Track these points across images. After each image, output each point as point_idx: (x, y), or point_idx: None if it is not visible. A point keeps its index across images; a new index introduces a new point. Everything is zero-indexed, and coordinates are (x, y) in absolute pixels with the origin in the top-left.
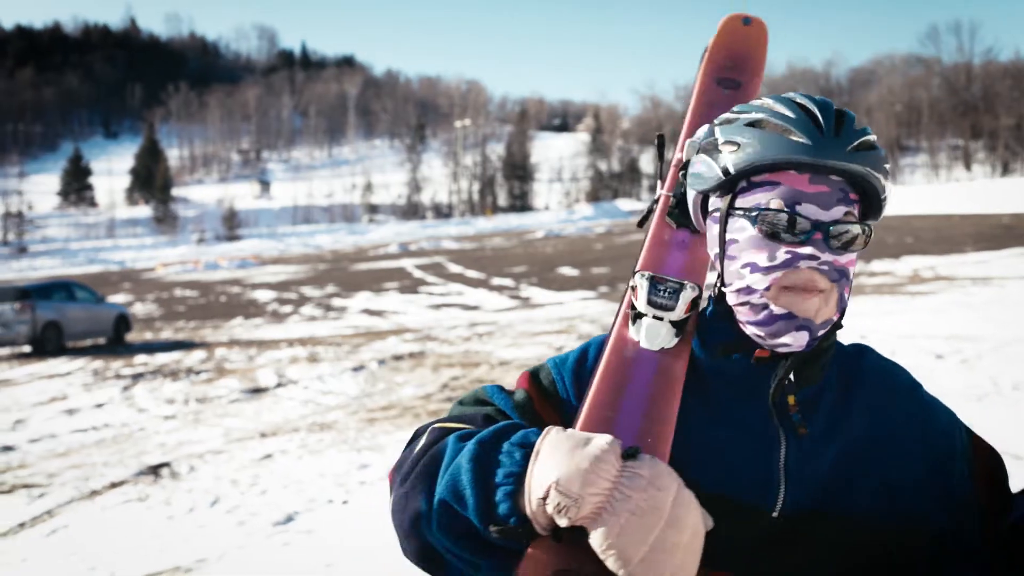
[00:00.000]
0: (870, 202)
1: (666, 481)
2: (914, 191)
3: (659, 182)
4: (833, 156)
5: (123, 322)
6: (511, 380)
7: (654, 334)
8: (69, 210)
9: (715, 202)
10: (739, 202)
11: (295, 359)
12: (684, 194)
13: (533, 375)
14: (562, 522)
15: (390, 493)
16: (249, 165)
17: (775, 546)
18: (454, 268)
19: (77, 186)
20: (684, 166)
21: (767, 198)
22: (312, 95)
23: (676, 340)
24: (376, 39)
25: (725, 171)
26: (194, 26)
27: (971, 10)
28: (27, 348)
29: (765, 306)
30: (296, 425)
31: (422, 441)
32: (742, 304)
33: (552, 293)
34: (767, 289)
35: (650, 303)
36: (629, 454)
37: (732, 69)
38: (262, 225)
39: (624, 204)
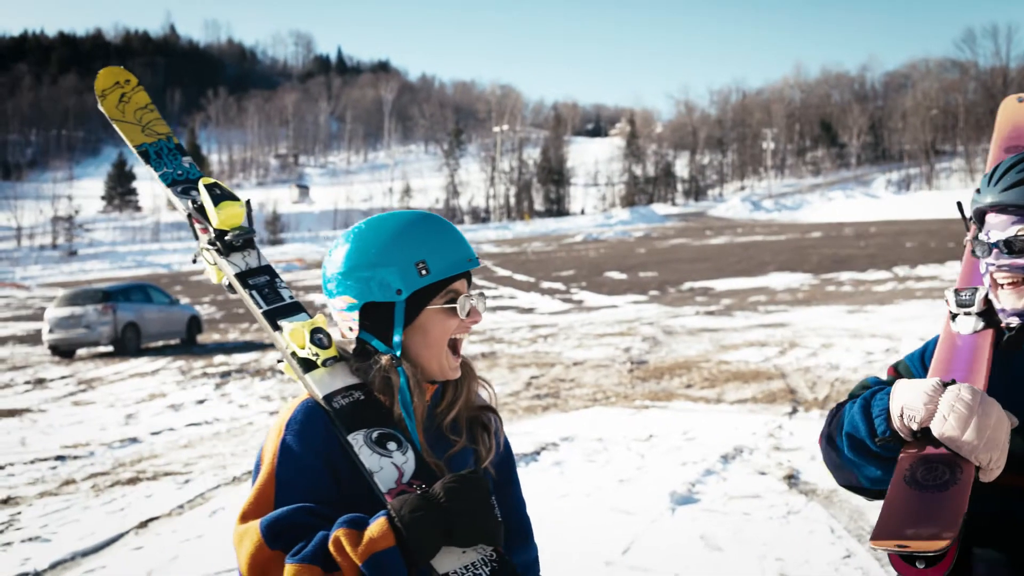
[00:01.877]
0: None
1: (972, 391)
2: (950, 195)
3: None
4: (989, 196)
5: (195, 323)
6: (590, 379)
7: (965, 324)
8: (114, 214)
9: None
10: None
11: None
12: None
13: (895, 366)
14: (913, 427)
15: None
16: (287, 169)
17: None
18: (501, 272)
19: (121, 190)
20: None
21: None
22: (348, 100)
23: (982, 325)
24: (410, 44)
25: (968, 216)
26: (232, 32)
27: (1008, 13)
28: (108, 348)
29: (991, 303)
30: None
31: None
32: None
33: (604, 297)
34: (989, 287)
35: (958, 304)
36: (947, 383)
37: (1014, 139)
38: (303, 229)
39: (660, 208)
